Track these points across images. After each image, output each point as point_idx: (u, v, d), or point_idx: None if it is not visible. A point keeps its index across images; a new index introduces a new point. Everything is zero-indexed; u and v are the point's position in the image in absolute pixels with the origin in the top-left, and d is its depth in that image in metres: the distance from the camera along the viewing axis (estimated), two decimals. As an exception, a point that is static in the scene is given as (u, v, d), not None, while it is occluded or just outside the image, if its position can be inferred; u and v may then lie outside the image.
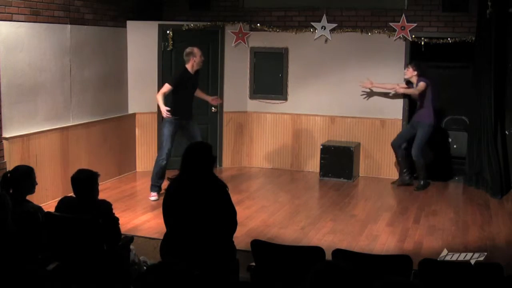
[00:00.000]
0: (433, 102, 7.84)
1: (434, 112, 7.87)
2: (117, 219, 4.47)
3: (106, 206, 4.40)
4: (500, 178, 7.62)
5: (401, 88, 8.01)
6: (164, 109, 7.08)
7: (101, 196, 4.54)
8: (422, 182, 7.94)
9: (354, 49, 8.49)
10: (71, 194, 4.52)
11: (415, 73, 7.81)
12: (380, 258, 4.11)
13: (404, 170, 8.10)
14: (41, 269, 3.96)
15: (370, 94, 8.55)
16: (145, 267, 4.91)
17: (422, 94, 7.76)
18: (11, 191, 4.34)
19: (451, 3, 8.11)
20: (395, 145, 8.11)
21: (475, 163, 7.96)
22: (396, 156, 8.20)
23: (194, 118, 7.47)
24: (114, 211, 4.46)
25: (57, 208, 4.47)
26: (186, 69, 7.18)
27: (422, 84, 7.70)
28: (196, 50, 7.19)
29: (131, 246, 4.86)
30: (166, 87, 7.11)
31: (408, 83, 8.05)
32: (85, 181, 4.37)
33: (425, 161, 7.96)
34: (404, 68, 8.00)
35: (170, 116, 7.09)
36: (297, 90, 8.93)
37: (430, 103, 7.83)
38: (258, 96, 9.13)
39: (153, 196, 7.22)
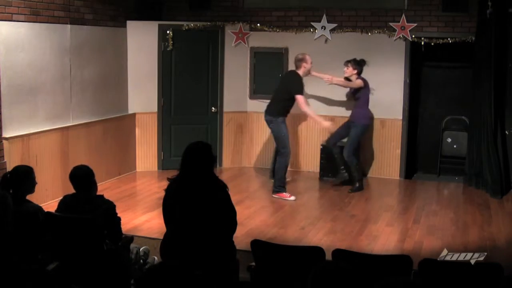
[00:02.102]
0: (368, 103, 7.89)
1: (369, 114, 7.91)
2: (119, 219, 4.48)
3: (109, 206, 4.40)
4: (500, 178, 7.62)
5: (336, 79, 7.83)
6: (324, 122, 7.62)
7: (101, 196, 4.56)
8: (357, 184, 7.83)
9: (354, 49, 8.48)
10: (71, 192, 4.53)
11: (355, 71, 7.77)
12: (380, 258, 4.11)
13: (342, 167, 8.01)
14: (41, 269, 3.95)
15: (371, 94, 8.55)
16: (141, 260, 4.92)
17: (358, 94, 7.75)
18: (11, 191, 4.33)
19: (451, 3, 8.11)
20: (329, 144, 8.06)
21: (475, 163, 7.96)
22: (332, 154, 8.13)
23: None
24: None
25: (59, 205, 4.47)
26: (299, 74, 7.48)
27: (359, 81, 7.71)
28: (307, 57, 7.54)
29: (139, 246, 4.86)
30: (303, 97, 7.42)
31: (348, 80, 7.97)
32: (82, 177, 4.40)
33: (357, 161, 7.90)
34: (345, 67, 7.87)
35: (332, 126, 7.80)
36: (297, 90, 8.91)
37: (365, 104, 7.87)
38: (258, 96, 9.12)
39: (292, 196, 7.41)
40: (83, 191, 4.42)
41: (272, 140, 9.07)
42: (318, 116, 7.65)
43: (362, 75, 7.97)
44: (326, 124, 7.68)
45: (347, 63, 7.83)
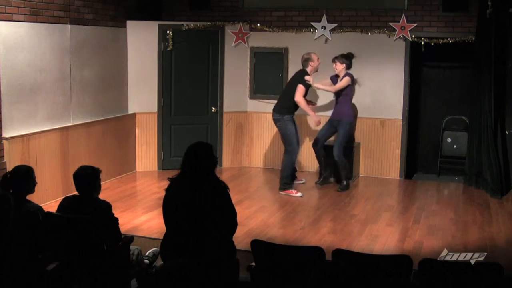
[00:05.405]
0: (352, 99, 7.92)
1: (353, 110, 7.89)
2: (116, 219, 4.46)
3: (106, 207, 4.39)
4: (500, 178, 7.62)
5: (319, 84, 7.72)
6: (315, 116, 7.59)
7: (101, 196, 4.54)
8: (344, 183, 7.82)
9: (354, 49, 8.46)
10: (72, 194, 4.52)
11: (343, 65, 7.67)
12: (380, 258, 4.11)
13: (324, 171, 8.06)
14: (41, 269, 3.96)
15: (371, 94, 8.55)
16: (147, 261, 4.92)
17: (346, 91, 7.67)
18: (11, 191, 4.33)
19: (451, 3, 8.11)
20: (318, 146, 7.96)
21: (475, 163, 7.96)
22: (317, 156, 8.08)
23: None
24: (114, 211, 4.45)
25: (59, 208, 4.47)
26: (307, 71, 7.53)
27: (346, 79, 7.56)
28: (313, 55, 7.62)
29: (139, 248, 4.86)
30: (302, 88, 7.42)
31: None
32: (86, 177, 4.38)
33: (346, 160, 7.86)
34: (333, 64, 7.78)
35: (318, 124, 7.75)
36: (297, 90, 8.92)
37: (350, 101, 7.84)
38: (258, 96, 9.13)
39: (299, 192, 7.53)
40: (83, 192, 4.40)
41: (273, 140, 9.10)
42: (310, 109, 7.65)
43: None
44: (316, 119, 7.64)
45: (334, 59, 7.75)
